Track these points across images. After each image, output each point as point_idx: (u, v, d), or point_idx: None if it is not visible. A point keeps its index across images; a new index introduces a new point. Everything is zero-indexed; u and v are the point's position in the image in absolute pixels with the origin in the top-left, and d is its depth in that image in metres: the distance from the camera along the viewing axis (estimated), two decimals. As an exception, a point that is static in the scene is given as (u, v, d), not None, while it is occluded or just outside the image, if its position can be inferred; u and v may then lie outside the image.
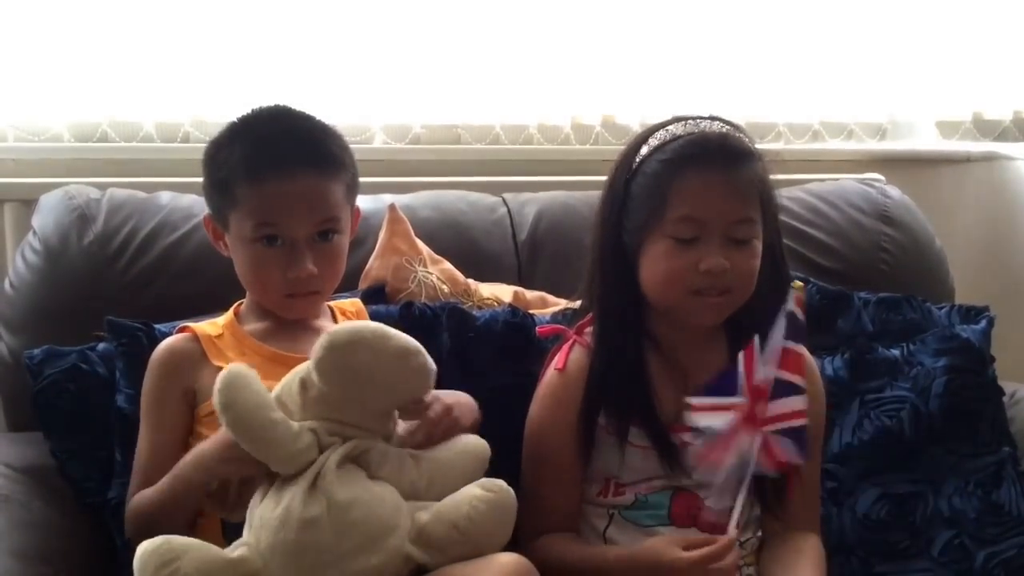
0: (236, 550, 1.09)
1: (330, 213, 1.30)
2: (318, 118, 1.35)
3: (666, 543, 1.22)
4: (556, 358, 1.36)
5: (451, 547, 1.12)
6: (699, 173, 1.27)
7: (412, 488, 1.15)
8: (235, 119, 1.33)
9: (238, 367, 1.12)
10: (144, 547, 1.06)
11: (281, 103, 1.35)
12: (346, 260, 1.35)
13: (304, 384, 1.14)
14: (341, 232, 1.32)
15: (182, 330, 1.36)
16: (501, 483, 1.15)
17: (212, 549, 1.08)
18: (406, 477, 1.15)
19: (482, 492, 1.14)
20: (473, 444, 1.22)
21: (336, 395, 1.13)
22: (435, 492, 1.16)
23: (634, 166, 1.32)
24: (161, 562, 1.04)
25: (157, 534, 1.08)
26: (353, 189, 1.36)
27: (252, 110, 1.34)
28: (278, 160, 1.27)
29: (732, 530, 1.23)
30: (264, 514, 1.10)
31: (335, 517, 1.08)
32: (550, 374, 1.36)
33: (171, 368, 1.32)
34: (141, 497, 1.25)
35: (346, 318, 1.40)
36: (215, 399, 1.09)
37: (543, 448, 1.35)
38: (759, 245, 1.29)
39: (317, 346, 1.12)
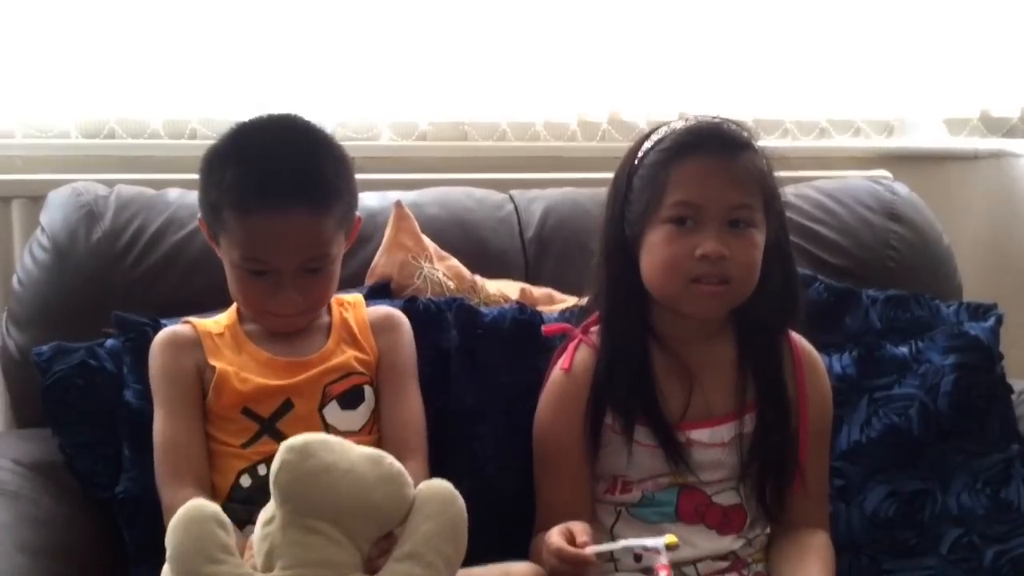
0: None
1: (320, 251, 1.25)
2: (318, 130, 1.29)
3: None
4: (562, 358, 1.36)
5: None
6: (695, 160, 1.28)
7: None
8: (234, 125, 1.30)
9: (196, 505, 1.01)
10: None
11: (283, 111, 1.31)
12: (338, 279, 1.31)
13: (264, 525, 1.01)
14: (332, 263, 1.28)
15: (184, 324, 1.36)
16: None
17: None
18: None
19: None
20: None
21: (296, 523, 0.99)
22: None
23: (636, 161, 1.33)
24: None
25: None
26: (349, 215, 1.31)
27: (251, 120, 1.30)
28: (267, 195, 1.21)
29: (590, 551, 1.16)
30: None
31: None
32: (556, 374, 1.36)
33: (176, 347, 1.31)
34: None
35: (344, 309, 1.38)
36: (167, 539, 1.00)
37: (550, 449, 1.34)
38: (759, 237, 1.29)
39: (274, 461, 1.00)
